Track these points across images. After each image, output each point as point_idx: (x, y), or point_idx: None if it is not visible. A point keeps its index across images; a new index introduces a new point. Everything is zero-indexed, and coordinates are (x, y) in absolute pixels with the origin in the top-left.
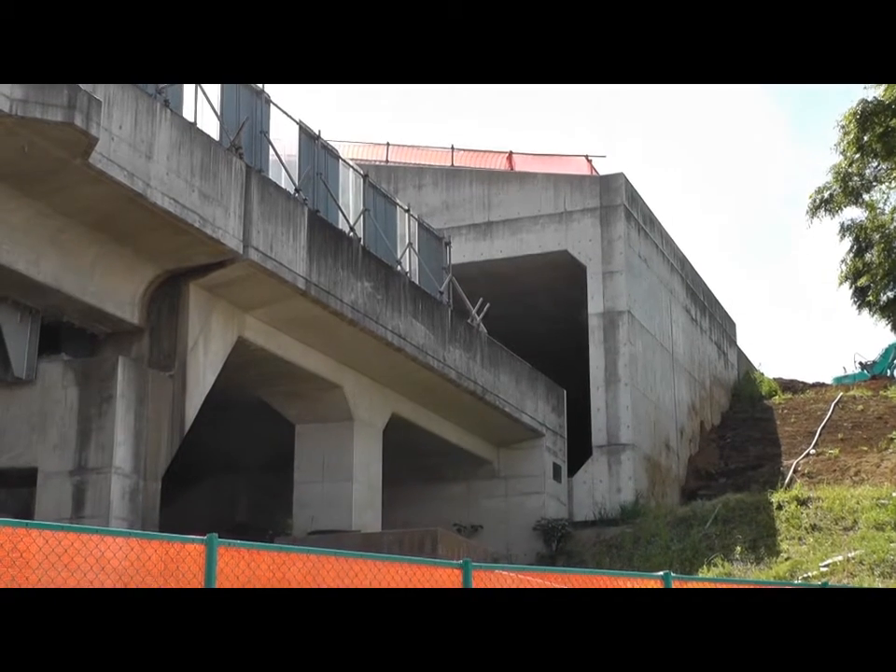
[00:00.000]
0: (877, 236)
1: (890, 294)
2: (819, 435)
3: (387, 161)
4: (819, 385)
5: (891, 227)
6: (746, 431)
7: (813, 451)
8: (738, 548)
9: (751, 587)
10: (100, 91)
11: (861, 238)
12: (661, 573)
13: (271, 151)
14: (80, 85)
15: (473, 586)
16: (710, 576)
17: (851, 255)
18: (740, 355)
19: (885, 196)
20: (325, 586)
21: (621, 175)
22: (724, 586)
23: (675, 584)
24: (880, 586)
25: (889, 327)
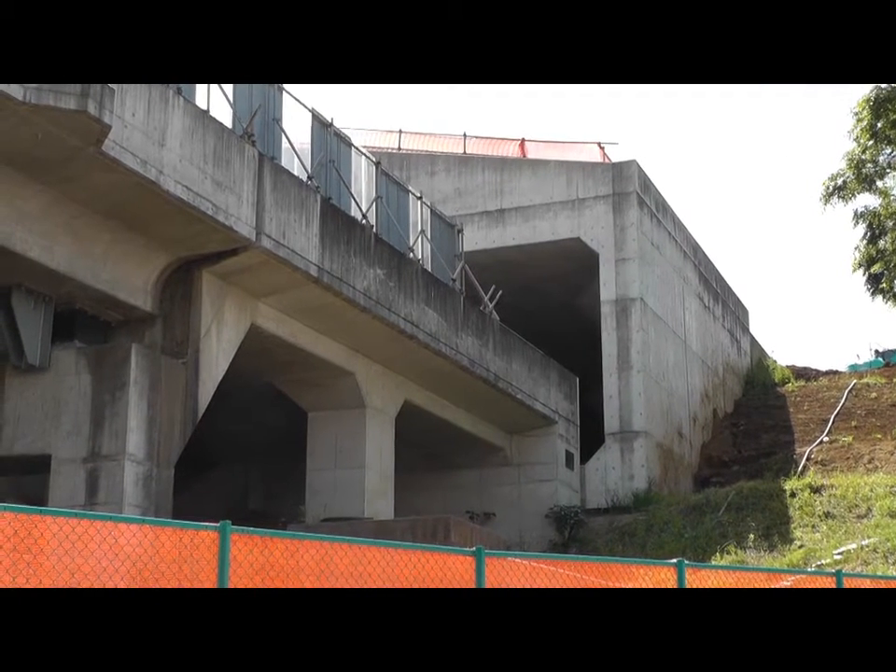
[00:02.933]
0: (891, 223)
1: None
2: (833, 422)
3: (400, 148)
4: (832, 373)
5: None
6: (759, 419)
7: (826, 438)
8: (751, 535)
9: (765, 574)
10: None
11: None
12: (674, 561)
13: (283, 139)
14: None
15: (486, 574)
16: (723, 563)
17: (865, 242)
18: (753, 342)
19: None
20: (338, 574)
21: (633, 162)
22: (738, 574)
23: (688, 572)
24: (895, 574)
25: None
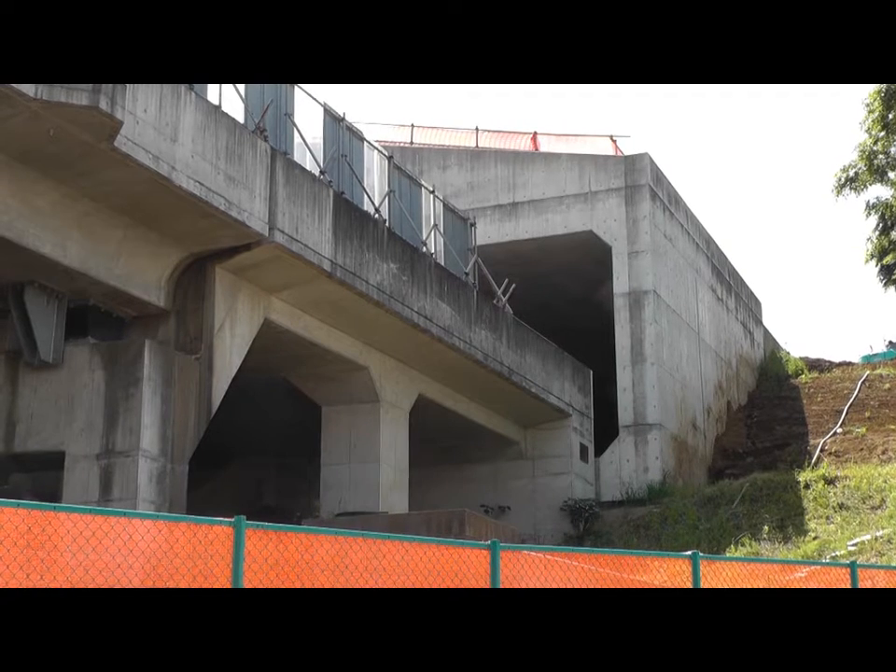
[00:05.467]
0: None
1: None
2: (846, 414)
3: (412, 142)
4: (845, 364)
5: None
6: (772, 410)
7: (840, 430)
8: (766, 527)
9: (780, 566)
10: None
11: (886, 216)
12: (689, 553)
13: (295, 134)
14: None
15: (501, 567)
16: (738, 555)
17: (877, 233)
18: (766, 334)
19: None
20: (352, 568)
21: (645, 155)
22: (752, 565)
23: (702, 564)
24: None
25: None
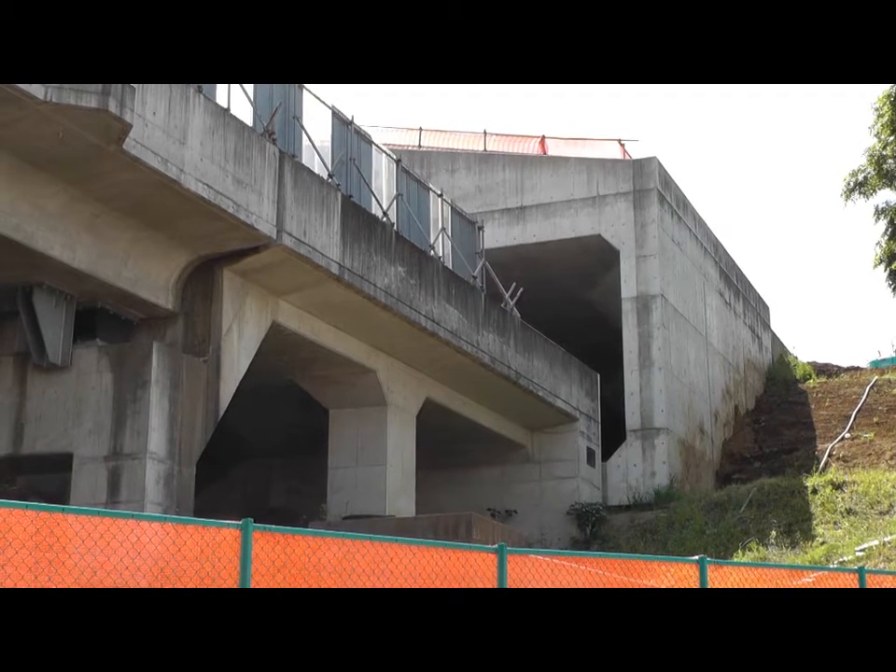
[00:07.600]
0: None
1: None
2: (854, 419)
3: (420, 145)
4: (853, 369)
5: None
6: (780, 415)
7: (848, 435)
8: (773, 532)
9: (787, 570)
10: None
11: (895, 221)
12: (696, 558)
13: (304, 137)
14: None
15: (508, 571)
16: (745, 560)
17: (886, 237)
18: (774, 338)
19: None
20: (359, 571)
21: (654, 159)
22: (760, 571)
23: (710, 569)
24: None
25: None
